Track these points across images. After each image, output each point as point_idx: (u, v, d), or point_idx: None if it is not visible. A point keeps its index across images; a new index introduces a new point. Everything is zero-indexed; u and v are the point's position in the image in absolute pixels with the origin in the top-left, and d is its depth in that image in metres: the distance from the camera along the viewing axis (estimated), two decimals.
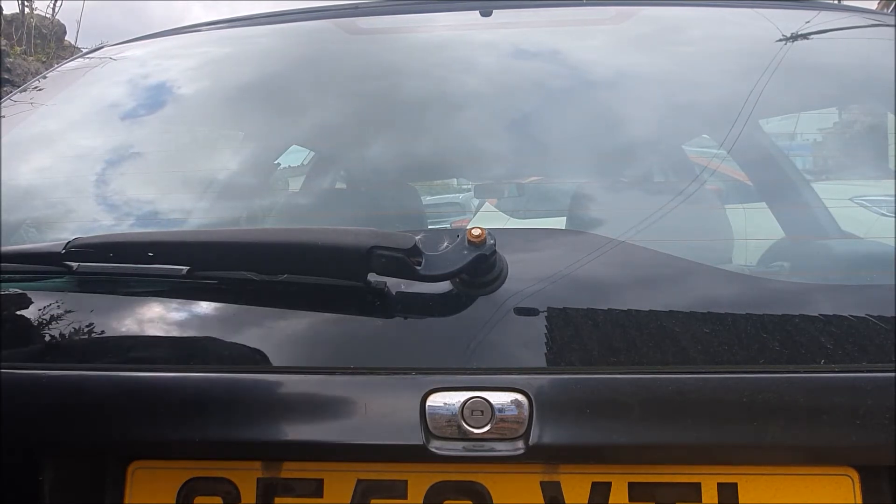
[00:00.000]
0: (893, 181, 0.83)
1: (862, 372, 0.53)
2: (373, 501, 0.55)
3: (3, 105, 1.00)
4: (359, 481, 0.55)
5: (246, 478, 0.56)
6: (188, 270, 0.58)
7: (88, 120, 0.95)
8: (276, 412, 0.55)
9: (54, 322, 0.60)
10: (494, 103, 0.93)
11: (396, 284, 0.58)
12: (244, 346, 0.58)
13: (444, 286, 0.57)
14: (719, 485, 0.54)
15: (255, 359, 0.58)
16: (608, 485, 0.54)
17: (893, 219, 0.72)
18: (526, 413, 0.52)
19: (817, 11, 1.01)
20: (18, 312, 0.61)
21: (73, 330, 0.60)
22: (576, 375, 0.53)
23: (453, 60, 1.02)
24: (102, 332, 0.61)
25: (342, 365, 0.55)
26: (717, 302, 0.57)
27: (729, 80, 0.93)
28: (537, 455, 0.52)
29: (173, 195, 0.84)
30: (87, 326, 0.62)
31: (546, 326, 0.56)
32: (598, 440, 0.52)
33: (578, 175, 0.89)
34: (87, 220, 0.79)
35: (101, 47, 1.24)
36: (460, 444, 0.53)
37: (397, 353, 0.56)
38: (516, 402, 0.52)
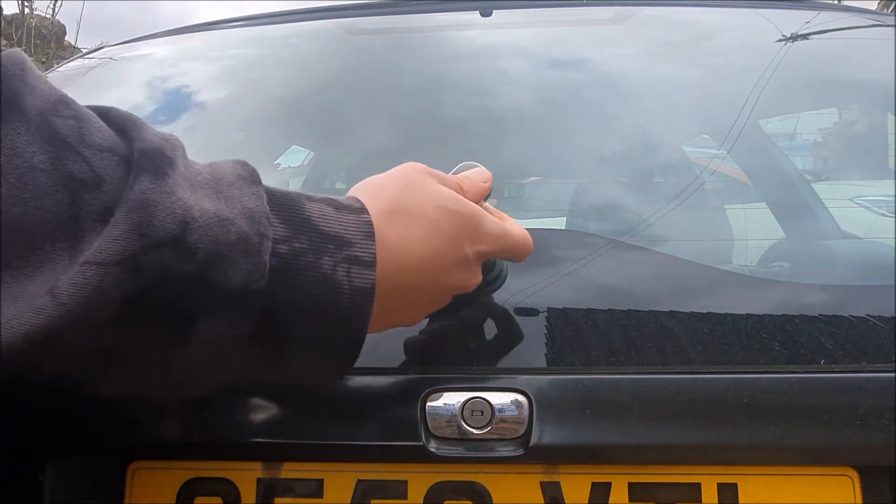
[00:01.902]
0: (893, 181, 0.83)
1: (862, 372, 0.53)
2: (373, 502, 0.55)
3: None
4: (359, 481, 0.55)
5: (246, 478, 0.56)
6: None
7: None
8: (276, 412, 0.55)
9: None
10: (494, 103, 0.93)
11: None
12: None
13: None
14: (719, 485, 0.54)
15: None
16: (608, 485, 0.54)
17: (893, 219, 0.72)
18: (526, 413, 0.52)
19: (817, 11, 1.01)
20: None
21: None
22: (576, 375, 0.53)
23: (452, 60, 1.02)
24: None
25: None
26: (717, 302, 0.57)
27: (729, 81, 0.93)
28: (537, 455, 0.52)
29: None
30: None
31: (546, 326, 0.56)
32: (598, 440, 0.52)
33: (578, 175, 0.89)
34: None
35: (101, 47, 1.24)
36: (460, 445, 0.53)
37: (397, 353, 0.56)
38: (516, 403, 0.52)
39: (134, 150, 0.34)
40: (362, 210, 0.42)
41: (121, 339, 0.34)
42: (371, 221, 0.41)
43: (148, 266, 0.32)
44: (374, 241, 0.40)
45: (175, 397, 0.40)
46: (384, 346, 0.56)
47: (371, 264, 0.40)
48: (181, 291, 0.34)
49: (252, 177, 0.40)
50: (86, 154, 0.33)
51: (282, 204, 0.39)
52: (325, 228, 0.39)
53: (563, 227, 0.79)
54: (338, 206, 0.41)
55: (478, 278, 0.49)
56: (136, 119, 0.37)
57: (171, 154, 0.35)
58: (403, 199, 0.44)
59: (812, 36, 0.96)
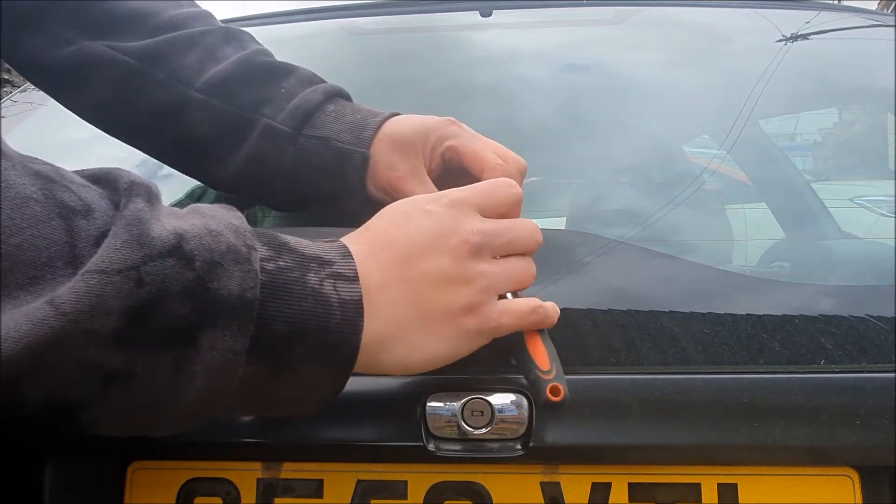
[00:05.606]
0: (893, 181, 0.83)
1: (862, 372, 0.53)
2: (373, 502, 0.55)
3: (3, 105, 1.00)
4: (359, 482, 0.55)
5: (246, 478, 0.56)
6: None
7: None
8: None
9: None
10: (494, 103, 0.93)
11: None
12: None
13: None
14: (719, 485, 0.54)
15: None
16: (608, 485, 0.54)
17: (893, 219, 0.72)
18: (526, 413, 0.52)
19: (817, 11, 1.02)
20: None
21: None
22: (576, 375, 0.53)
23: (451, 60, 1.02)
24: None
25: None
26: (717, 302, 0.57)
27: (729, 81, 0.93)
28: (537, 455, 0.52)
29: (174, 195, 0.84)
30: None
31: None
32: (598, 440, 0.52)
33: (578, 175, 0.89)
34: None
35: None
36: (460, 445, 0.53)
37: None
38: (516, 403, 0.52)
39: (120, 185, 0.36)
40: (334, 239, 0.44)
41: (122, 359, 0.33)
42: (345, 244, 0.43)
43: (150, 278, 0.33)
44: (352, 259, 0.42)
45: (169, 432, 0.39)
46: None
47: (354, 279, 0.41)
48: (182, 303, 0.34)
49: (229, 207, 0.41)
50: (71, 187, 0.34)
51: (260, 232, 0.40)
52: (305, 251, 0.41)
53: (563, 227, 0.79)
54: (312, 239, 0.43)
55: (478, 227, 0.46)
56: (107, 169, 0.39)
57: (156, 192, 0.37)
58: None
59: (812, 36, 0.96)
